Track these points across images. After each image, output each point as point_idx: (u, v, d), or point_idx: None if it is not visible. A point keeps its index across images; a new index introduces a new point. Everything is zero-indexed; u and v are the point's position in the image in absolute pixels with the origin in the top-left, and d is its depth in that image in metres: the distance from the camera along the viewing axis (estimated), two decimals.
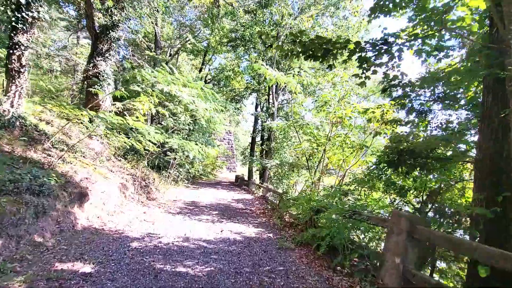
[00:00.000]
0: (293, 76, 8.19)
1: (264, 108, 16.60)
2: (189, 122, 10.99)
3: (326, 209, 4.72)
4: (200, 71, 22.82)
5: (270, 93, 17.18)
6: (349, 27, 13.21)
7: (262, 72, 8.17)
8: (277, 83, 15.58)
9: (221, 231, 5.14)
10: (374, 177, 5.11)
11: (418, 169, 4.53)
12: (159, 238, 4.30)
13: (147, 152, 9.33)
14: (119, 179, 6.74)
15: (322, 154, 7.41)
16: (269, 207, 9.35)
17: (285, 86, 17.28)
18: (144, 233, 4.49)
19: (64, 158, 5.43)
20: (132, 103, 9.11)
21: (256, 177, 21.40)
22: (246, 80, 21.53)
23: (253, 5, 17.04)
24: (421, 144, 3.95)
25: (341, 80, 6.87)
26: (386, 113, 5.47)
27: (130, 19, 21.62)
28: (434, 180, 4.50)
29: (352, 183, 6.56)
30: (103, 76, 8.57)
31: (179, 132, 11.99)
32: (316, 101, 7.49)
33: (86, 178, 5.17)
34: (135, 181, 7.57)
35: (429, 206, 4.46)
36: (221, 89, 21.02)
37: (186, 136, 12.53)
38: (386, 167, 4.85)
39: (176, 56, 22.93)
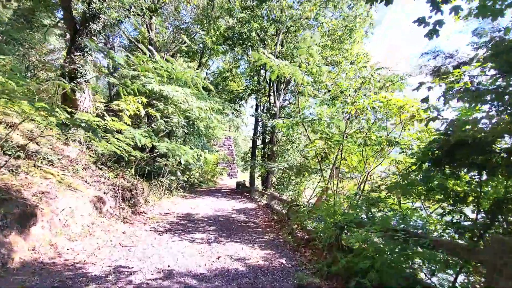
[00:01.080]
0: (299, 65, 7.06)
1: (265, 109, 15.48)
2: (183, 125, 9.83)
3: (358, 225, 3.53)
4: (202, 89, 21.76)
5: (271, 93, 16.09)
6: (356, 15, 12.18)
7: (263, 62, 7.05)
8: (279, 78, 14.56)
9: (218, 258, 3.92)
10: (414, 181, 3.93)
11: (476, 168, 3.37)
12: (131, 274, 3.10)
13: (135, 158, 8.17)
14: (95, 191, 5.55)
15: (337, 155, 6.23)
16: (276, 218, 8.14)
17: (288, 84, 16.21)
18: (112, 266, 3.28)
19: (16, 167, 4.25)
20: (116, 104, 8.00)
21: (258, 183, 20.20)
22: (246, 82, 20.51)
23: (250, 1, 16.13)
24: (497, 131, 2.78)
25: (356, 62, 5.72)
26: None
27: (122, 22, 20.67)
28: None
29: (378, 189, 5.39)
30: (81, 73, 7.45)
31: (174, 136, 10.84)
32: (328, 91, 6.31)
33: (43, 193, 4.00)
34: (116, 193, 6.38)
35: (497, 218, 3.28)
36: (219, 93, 19.98)
37: (182, 140, 11.37)
38: (431, 167, 3.68)
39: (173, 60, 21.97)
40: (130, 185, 7.71)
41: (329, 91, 6.55)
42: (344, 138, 6.03)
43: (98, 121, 6.05)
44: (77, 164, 6.45)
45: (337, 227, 3.77)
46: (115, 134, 6.53)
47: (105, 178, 6.78)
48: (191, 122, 10.93)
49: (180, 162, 7.72)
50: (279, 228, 6.56)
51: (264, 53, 6.92)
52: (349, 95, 5.89)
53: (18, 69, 10.93)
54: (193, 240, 4.90)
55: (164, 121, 9.15)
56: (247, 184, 19.30)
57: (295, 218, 5.40)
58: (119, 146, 5.75)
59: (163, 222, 6.27)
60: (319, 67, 6.71)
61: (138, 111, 8.92)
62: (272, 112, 14.25)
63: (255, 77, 18.00)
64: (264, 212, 9.14)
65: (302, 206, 5.12)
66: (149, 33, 18.34)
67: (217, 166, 28.02)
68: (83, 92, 7.44)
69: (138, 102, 8.56)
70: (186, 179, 10.86)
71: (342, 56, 13.53)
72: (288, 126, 7.52)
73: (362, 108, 5.34)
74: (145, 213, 7.01)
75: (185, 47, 20.33)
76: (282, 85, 15.60)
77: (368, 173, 6.05)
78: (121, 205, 6.34)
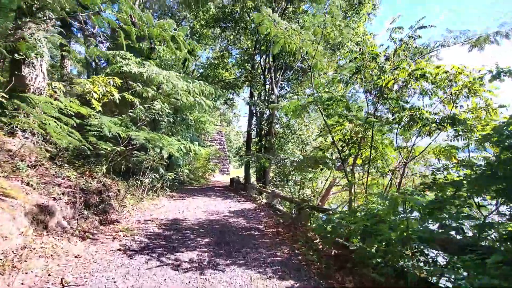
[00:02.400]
0: (315, 27, 5.57)
1: (262, 98, 13.97)
2: (168, 113, 8.24)
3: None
4: (184, 63, 19.92)
5: (267, 81, 14.58)
6: None
7: (266, 28, 5.55)
8: (279, 58, 13.02)
9: None
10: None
11: None
12: None
13: (107, 153, 6.57)
14: (39, 197, 3.97)
15: (359, 142, 4.85)
16: (282, 221, 6.75)
17: (286, 70, 14.70)
18: None
19: None
20: (79, 82, 6.36)
21: (253, 180, 18.81)
22: (238, 72, 18.83)
23: None
24: None
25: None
26: None
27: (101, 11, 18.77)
28: None
29: (423, 187, 4.00)
30: (30, 44, 5.74)
31: (159, 127, 9.21)
32: (350, 61, 4.88)
33: None
34: (76, 197, 4.80)
35: None
36: (210, 84, 18.23)
37: (168, 131, 9.76)
38: None
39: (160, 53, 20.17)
40: (100, 186, 6.13)
41: (350, 61, 5.11)
42: (374, 120, 4.64)
43: (47, 102, 4.47)
44: (22, 160, 4.83)
45: (410, 247, 2.37)
46: (72, 121, 4.94)
47: (62, 178, 5.18)
48: (177, 111, 9.34)
49: (162, 156, 6.16)
50: (291, 236, 5.15)
51: (269, 15, 5.42)
52: (379, 65, 4.49)
53: None
54: (179, 265, 3.41)
55: (144, 107, 7.54)
56: (242, 180, 17.86)
57: (318, 228, 3.98)
58: (73, 135, 4.17)
59: (139, 235, 4.75)
60: (340, 29, 5.25)
61: (112, 96, 7.30)
62: (270, 100, 12.78)
63: (249, 64, 16.40)
64: (266, 214, 7.72)
65: (332, 213, 3.69)
66: (131, 19, 16.44)
67: (208, 162, 26.44)
68: (33, 68, 5.74)
69: (109, 83, 6.92)
70: (173, 176, 9.29)
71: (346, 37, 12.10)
72: (296, 109, 6.09)
73: (408, 76, 3.94)
74: (118, 221, 5.45)
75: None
76: (279, 72, 14.11)
77: (406, 164, 4.70)
78: (82, 213, 4.77)
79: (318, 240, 4.63)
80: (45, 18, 6.30)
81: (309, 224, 5.99)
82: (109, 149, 5.89)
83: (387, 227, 2.58)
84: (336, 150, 6.11)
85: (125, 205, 6.55)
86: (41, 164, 5.22)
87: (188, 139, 8.73)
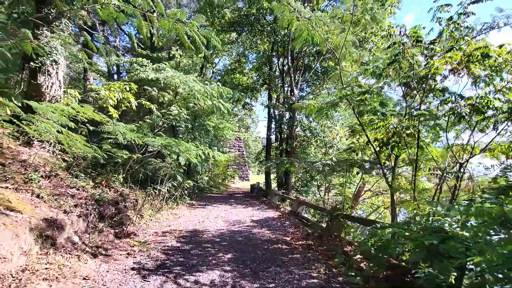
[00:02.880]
0: (343, 13, 4.98)
1: (282, 100, 13.37)
2: (186, 118, 7.92)
3: None
4: (201, 69, 19.82)
5: (286, 80, 14.04)
6: None
7: (286, 21, 5.05)
8: (298, 56, 12.47)
9: None
10: None
11: None
12: None
13: (125, 161, 6.31)
14: (48, 210, 3.66)
15: (404, 140, 4.15)
16: (310, 231, 6.10)
17: (305, 71, 14.10)
18: None
19: None
20: (93, 89, 6.17)
21: (274, 186, 18.20)
22: (255, 77, 18.44)
23: None
24: None
25: None
26: None
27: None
28: None
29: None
30: (44, 50, 5.64)
31: (178, 133, 8.93)
32: (388, 47, 4.24)
33: None
34: (90, 209, 4.48)
35: None
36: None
37: (187, 137, 9.46)
38: None
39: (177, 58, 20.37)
40: (116, 196, 5.84)
41: (388, 47, 4.45)
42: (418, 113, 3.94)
43: (62, 110, 4.22)
44: (36, 171, 4.61)
45: None
46: (85, 128, 4.68)
47: (77, 189, 4.91)
48: (196, 117, 9.03)
49: (180, 163, 5.78)
50: (325, 251, 4.50)
51: (289, 4, 4.92)
52: (426, 48, 3.80)
53: None
54: None
55: (161, 113, 7.26)
56: (263, 186, 17.28)
57: (359, 241, 3.32)
58: (84, 143, 3.86)
59: (156, 250, 4.32)
60: (373, 13, 4.63)
61: (129, 103, 7.09)
62: (290, 102, 12.20)
63: (266, 67, 15.96)
64: (292, 224, 7.09)
65: (381, 226, 3.01)
66: (150, 30, 16.67)
67: (228, 168, 26.16)
68: (49, 75, 5.62)
69: (126, 89, 6.70)
70: (192, 184, 8.93)
71: (370, 32, 11.37)
72: (323, 107, 5.49)
73: (464, 59, 3.24)
74: (134, 234, 5.09)
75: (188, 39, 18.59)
76: (298, 73, 13.53)
77: (461, 165, 3.93)
78: (96, 226, 4.43)
79: (358, 256, 3.96)
80: (61, 27, 6.23)
81: (342, 235, 5.31)
82: (125, 157, 5.60)
83: (472, 250, 1.91)
84: (370, 152, 5.42)
85: (143, 215, 6.21)
86: (55, 175, 4.99)
87: (207, 145, 8.37)
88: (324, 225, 5.95)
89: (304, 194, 11.87)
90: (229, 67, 19.34)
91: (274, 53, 14.57)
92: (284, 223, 7.29)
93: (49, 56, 5.52)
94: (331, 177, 7.26)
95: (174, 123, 7.82)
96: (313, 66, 13.73)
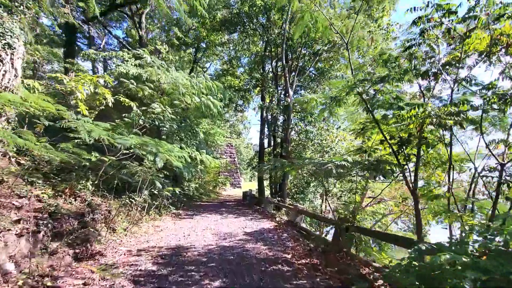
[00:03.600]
0: None
1: (275, 102, 12.65)
2: (171, 118, 7.04)
3: None
4: (191, 71, 18.98)
5: (280, 83, 13.36)
6: None
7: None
8: (293, 57, 11.77)
9: None
10: None
11: None
12: None
13: (97, 164, 5.36)
14: None
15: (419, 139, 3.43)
16: (313, 246, 5.27)
17: (301, 72, 13.45)
18: None
19: None
20: (58, 77, 5.26)
21: (267, 193, 17.34)
22: (247, 80, 17.73)
23: None
24: None
25: None
26: None
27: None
28: None
29: None
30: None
31: (161, 134, 8.00)
32: (413, 25, 3.52)
33: None
34: (41, 225, 3.52)
35: None
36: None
37: (172, 139, 8.53)
38: None
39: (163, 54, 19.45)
40: (83, 206, 4.88)
41: (414, 23, 3.74)
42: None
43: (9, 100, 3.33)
44: None
45: None
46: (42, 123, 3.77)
47: (29, 199, 3.95)
48: (182, 116, 8.15)
49: (159, 166, 4.86)
50: (335, 274, 3.67)
51: None
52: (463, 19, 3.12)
53: None
54: None
55: (141, 111, 6.37)
56: (255, 194, 16.38)
57: (394, 273, 2.50)
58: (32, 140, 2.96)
59: (123, 277, 3.39)
60: None
61: (105, 99, 6.18)
62: (285, 104, 11.48)
63: (259, 70, 15.30)
64: (291, 236, 6.24)
65: (426, 248, 2.19)
66: (138, 32, 15.83)
67: (219, 175, 25.16)
68: (0, 62, 4.67)
69: (99, 82, 5.80)
70: (178, 192, 7.99)
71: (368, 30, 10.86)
72: (327, 102, 4.76)
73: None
74: (101, 254, 4.13)
75: (176, 39, 17.80)
76: (292, 74, 12.88)
77: (503, 167, 3.21)
78: (47, 247, 3.47)
79: (381, 282, 3.14)
80: (22, 8, 5.34)
81: (353, 251, 4.50)
82: (93, 159, 4.66)
83: None
84: (379, 153, 4.67)
85: (116, 229, 5.24)
86: (4, 181, 4.02)
87: (194, 147, 7.48)
88: (326, 237, 5.12)
89: (301, 202, 11.06)
90: (220, 71, 18.58)
91: (267, 54, 13.92)
92: (282, 235, 6.43)
93: (1, 38, 4.59)
94: (330, 182, 6.48)
95: (157, 123, 6.92)
96: (308, 68, 13.13)
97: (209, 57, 21.44)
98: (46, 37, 16.09)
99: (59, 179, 5.04)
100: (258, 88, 15.35)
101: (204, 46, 19.38)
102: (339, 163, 3.54)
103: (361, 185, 4.68)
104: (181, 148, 6.41)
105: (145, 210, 6.69)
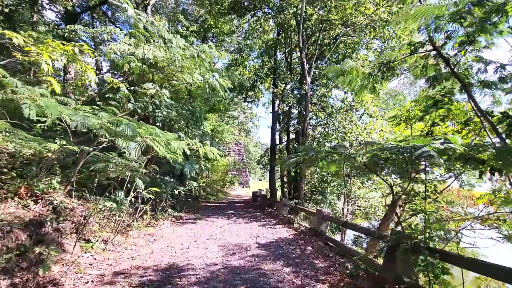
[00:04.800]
0: None
1: (288, 90, 11.15)
2: (170, 102, 5.76)
3: None
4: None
5: (294, 72, 11.93)
6: None
7: None
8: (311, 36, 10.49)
9: None
10: None
11: None
12: None
13: (51, 153, 4.11)
14: None
15: None
16: (350, 266, 3.88)
17: (319, 58, 11.95)
18: None
19: None
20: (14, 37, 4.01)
21: (278, 193, 15.98)
22: (257, 70, 16.32)
23: None
24: None
25: None
26: None
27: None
28: None
29: None
30: None
31: (159, 122, 6.72)
32: None
33: None
34: None
35: None
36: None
37: (169, 128, 7.24)
38: None
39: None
40: (45, 212, 3.64)
41: None
42: None
43: None
44: None
45: None
46: None
47: None
48: (182, 103, 6.85)
49: (134, 158, 3.56)
50: None
51: None
52: None
53: None
54: None
55: (130, 91, 5.10)
56: (264, 193, 15.02)
57: None
58: None
59: None
60: None
61: (88, 79, 4.92)
62: (302, 92, 10.05)
63: (270, 59, 13.92)
64: (317, 251, 4.86)
65: None
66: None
67: (227, 174, 23.94)
68: None
69: (75, 52, 4.54)
70: (178, 192, 6.73)
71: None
72: (373, 74, 3.40)
73: None
74: (54, 284, 2.86)
75: (182, 28, 16.59)
76: (312, 58, 11.41)
77: None
78: None
79: None
80: None
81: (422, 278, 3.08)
82: (55, 148, 3.40)
83: None
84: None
85: (90, 241, 3.98)
86: None
87: (197, 139, 6.17)
88: (373, 256, 3.71)
89: (321, 204, 9.65)
90: (229, 61, 17.23)
91: (281, 39, 12.46)
92: (305, 248, 5.06)
93: None
94: (353, 183, 5.01)
95: (152, 109, 5.64)
96: (328, 54, 11.64)
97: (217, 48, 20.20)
98: (44, 25, 15.14)
99: (15, 174, 3.81)
100: (269, 79, 13.93)
101: (211, 36, 18.14)
102: (430, 152, 2.07)
103: (432, 185, 3.25)
104: (179, 138, 5.11)
105: (138, 214, 5.43)
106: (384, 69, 3.65)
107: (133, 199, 4.13)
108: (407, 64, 3.79)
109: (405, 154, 2.00)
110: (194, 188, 7.97)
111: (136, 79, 5.21)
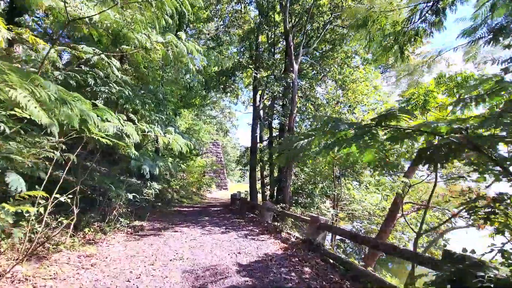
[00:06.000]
0: None
1: (272, 77, 9.84)
2: (120, 76, 4.23)
3: None
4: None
5: (277, 59, 10.72)
6: None
7: None
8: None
9: None
10: None
11: None
12: None
13: None
14: None
15: None
16: None
17: (308, 44, 10.86)
18: None
19: None
20: None
21: (260, 196, 14.71)
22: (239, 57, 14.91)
23: None
24: None
25: None
26: None
27: None
28: None
29: None
30: None
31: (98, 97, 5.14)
32: None
33: None
34: None
35: None
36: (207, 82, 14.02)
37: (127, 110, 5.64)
38: None
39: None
40: None
41: None
42: None
43: None
44: None
45: None
46: None
47: None
48: (141, 80, 5.32)
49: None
50: None
51: None
52: None
53: None
54: None
55: (57, 51, 3.53)
56: (244, 195, 13.66)
57: None
58: None
59: None
60: None
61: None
62: (289, 81, 8.83)
63: (251, 46, 12.66)
64: (318, 274, 3.60)
65: None
66: None
67: (204, 176, 22.25)
68: None
69: None
70: (133, 196, 5.20)
71: None
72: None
73: None
74: None
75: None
76: (300, 43, 10.27)
77: None
78: None
79: None
80: None
81: None
82: None
83: None
84: None
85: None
86: None
87: (159, 125, 4.65)
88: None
89: (311, 209, 8.46)
90: (206, 47, 15.69)
91: (263, 21, 11.16)
92: (302, 271, 3.77)
93: None
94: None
95: (91, 82, 4.07)
96: (315, 40, 10.56)
97: (193, 36, 18.50)
98: None
99: None
100: (250, 71, 12.60)
101: (186, 21, 16.50)
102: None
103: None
104: (130, 120, 3.61)
105: (73, 225, 3.84)
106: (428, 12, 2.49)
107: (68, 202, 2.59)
108: None
109: None
110: (155, 190, 6.37)
111: (61, 29, 3.62)
